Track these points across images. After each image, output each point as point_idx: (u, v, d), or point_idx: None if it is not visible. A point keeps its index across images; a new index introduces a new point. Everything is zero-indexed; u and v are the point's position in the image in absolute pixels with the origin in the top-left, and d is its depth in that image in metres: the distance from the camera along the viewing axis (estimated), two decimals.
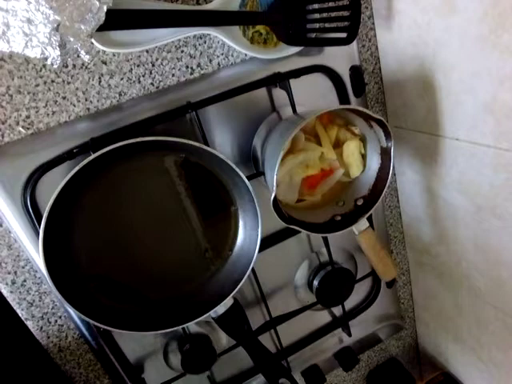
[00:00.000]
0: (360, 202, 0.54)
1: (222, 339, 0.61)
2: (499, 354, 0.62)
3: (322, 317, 0.69)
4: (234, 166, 0.43)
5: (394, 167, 0.52)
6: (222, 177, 0.48)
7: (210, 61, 0.47)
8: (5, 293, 0.47)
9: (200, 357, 0.56)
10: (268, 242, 0.58)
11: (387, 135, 0.49)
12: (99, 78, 0.43)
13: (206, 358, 0.56)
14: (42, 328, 0.50)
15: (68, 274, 0.43)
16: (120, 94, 0.44)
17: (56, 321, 0.50)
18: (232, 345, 0.60)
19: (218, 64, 0.47)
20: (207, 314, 0.47)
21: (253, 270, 0.56)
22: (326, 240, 0.59)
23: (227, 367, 0.65)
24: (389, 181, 0.51)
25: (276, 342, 0.64)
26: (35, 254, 0.45)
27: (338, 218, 0.54)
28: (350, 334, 0.69)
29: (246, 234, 0.51)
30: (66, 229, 0.43)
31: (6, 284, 0.47)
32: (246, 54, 0.48)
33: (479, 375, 0.70)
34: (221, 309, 0.49)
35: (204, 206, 0.49)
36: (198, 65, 0.46)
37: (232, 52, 0.47)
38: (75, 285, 0.43)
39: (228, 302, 0.49)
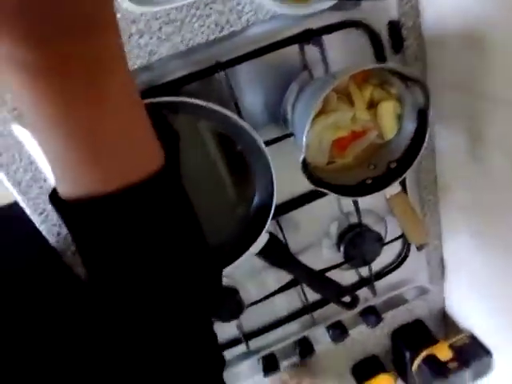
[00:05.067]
0: (393, 165, 0.53)
1: (251, 293, 0.64)
2: None
3: (349, 276, 0.70)
4: (249, 130, 0.42)
5: (430, 129, 0.49)
6: (241, 139, 0.48)
7: (239, 18, 0.45)
8: (52, 242, 0.51)
9: (228, 308, 0.59)
10: (297, 202, 0.58)
11: (425, 95, 0.46)
12: (129, 37, 0.43)
13: (234, 309, 0.60)
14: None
15: None
16: (150, 54, 0.44)
17: None
18: (259, 298, 0.64)
19: (248, 21, 0.45)
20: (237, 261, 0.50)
21: (281, 229, 0.58)
22: (355, 202, 0.59)
23: (255, 318, 0.68)
24: (425, 143, 0.49)
25: (302, 297, 0.67)
26: None
27: (369, 181, 0.53)
28: (375, 294, 0.70)
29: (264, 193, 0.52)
30: None
31: (52, 235, 0.51)
32: (276, 10, 0.46)
33: (507, 340, 0.70)
34: (259, 245, 0.52)
35: (231, 165, 0.50)
36: (227, 22, 0.45)
37: (262, 8, 0.45)
38: None
39: (263, 237, 0.52)
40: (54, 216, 0.50)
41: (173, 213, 0.26)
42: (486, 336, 0.76)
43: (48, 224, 0.50)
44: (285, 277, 0.65)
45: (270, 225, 0.51)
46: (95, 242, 0.25)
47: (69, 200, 0.23)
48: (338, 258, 0.66)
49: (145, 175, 0.23)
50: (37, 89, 0.19)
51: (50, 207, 0.49)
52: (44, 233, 0.51)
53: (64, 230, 0.51)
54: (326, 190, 0.50)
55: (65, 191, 0.23)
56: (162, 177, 0.24)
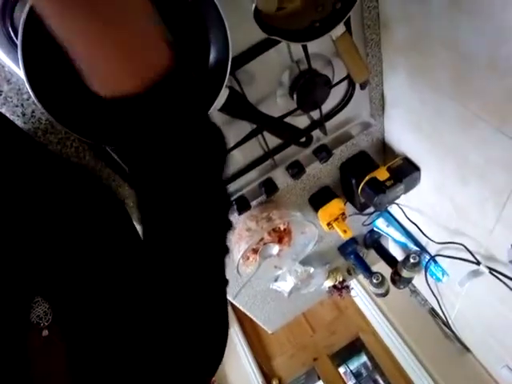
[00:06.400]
0: (338, 6, 0.55)
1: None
2: (449, 138, 0.74)
3: (302, 121, 0.78)
4: None
5: None
6: None
7: None
8: (19, 124, 0.52)
9: None
10: (250, 54, 0.60)
11: None
12: None
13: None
14: (61, 151, 0.57)
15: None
16: None
17: (72, 144, 0.57)
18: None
19: None
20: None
21: (238, 83, 0.61)
22: (305, 48, 0.62)
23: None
24: None
25: (263, 145, 0.75)
26: None
27: (317, 24, 0.56)
28: (325, 133, 0.79)
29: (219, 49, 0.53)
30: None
31: (18, 116, 0.51)
32: None
33: (431, 159, 0.85)
34: (221, 100, 0.55)
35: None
36: None
37: None
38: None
39: (224, 93, 0.55)
40: (14, 97, 0.49)
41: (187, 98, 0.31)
42: (415, 157, 0.91)
43: (10, 106, 0.50)
44: (244, 130, 0.71)
45: (227, 80, 0.54)
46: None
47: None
48: (292, 105, 0.72)
49: (163, 71, 0.28)
50: None
51: (6, 88, 0.48)
52: (8, 115, 0.51)
53: (28, 110, 0.51)
54: (277, 37, 0.52)
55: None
56: (178, 70, 0.29)
